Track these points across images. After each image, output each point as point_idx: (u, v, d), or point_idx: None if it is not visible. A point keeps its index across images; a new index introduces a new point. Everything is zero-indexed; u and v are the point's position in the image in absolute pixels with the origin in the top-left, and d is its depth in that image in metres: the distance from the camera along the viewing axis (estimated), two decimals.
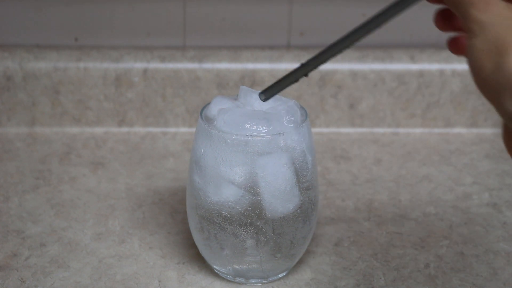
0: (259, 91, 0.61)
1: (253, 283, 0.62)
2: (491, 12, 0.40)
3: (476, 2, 0.41)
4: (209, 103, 0.61)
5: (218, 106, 0.60)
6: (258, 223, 0.58)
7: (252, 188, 0.57)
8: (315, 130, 0.90)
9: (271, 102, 0.60)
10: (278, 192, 0.58)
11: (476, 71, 0.41)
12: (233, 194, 0.58)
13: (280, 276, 0.63)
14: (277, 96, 0.61)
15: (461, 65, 0.90)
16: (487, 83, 0.40)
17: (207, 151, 0.58)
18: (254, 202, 0.58)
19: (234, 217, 0.58)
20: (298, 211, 0.59)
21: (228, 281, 0.63)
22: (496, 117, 0.92)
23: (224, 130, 0.57)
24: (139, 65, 0.88)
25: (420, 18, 0.92)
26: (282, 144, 0.57)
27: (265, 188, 0.57)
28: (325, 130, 0.92)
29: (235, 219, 0.58)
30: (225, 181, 0.58)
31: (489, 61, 0.40)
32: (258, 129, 0.57)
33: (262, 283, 0.62)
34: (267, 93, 0.59)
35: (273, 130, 0.57)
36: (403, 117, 0.92)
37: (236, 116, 0.58)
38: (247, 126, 0.57)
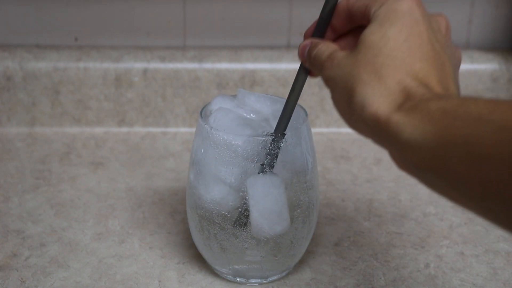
0: (257, 93, 0.61)
1: (253, 283, 0.62)
2: (336, 67, 0.46)
3: (324, 63, 0.47)
4: (209, 103, 0.61)
5: (218, 106, 0.60)
6: None
7: (245, 192, 0.57)
8: (315, 130, 0.90)
9: (269, 104, 0.60)
10: (267, 212, 0.57)
11: (344, 119, 0.46)
12: (227, 194, 0.58)
13: (280, 276, 0.63)
14: (277, 98, 0.61)
15: (461, 65, 0.90)
16: (354, 127, 0.45)
17: (206, 152, 0.58)
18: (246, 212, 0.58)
19: (234, 217, 0.58)
20: (298, 210, 0.59)
21: (228, 281, 0.63)
22: None
23: (222, 132, 0.57)
24: (139, 65, 0.88)
25: None
26: (279, 161, 0.57)
27: (253, 206, 0.57)
28: (325, 130, 0.92)
29: (235, 219, 0.58)
30: (221, 182, 0.58)
31: (347, 108, 0.44)
32: (256, 132, 0.57)
33: (262, 283, 0.62)
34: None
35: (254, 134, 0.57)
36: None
37: (228, 119, 0.58)
38: (243, 128, 0.57)
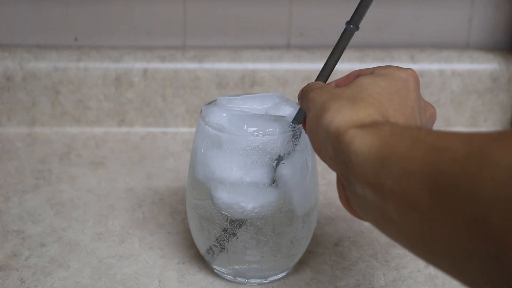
0: (233, 96, 0.62)
1: (253, 283, 0.62)
2: (324, 92, 0.50)
3: (315, 88, 0.52)
4: (211, 114, 0.60)
5: (223, 115, 0.59)
6: (258, 223, 0.58)
7: (280, 189, 0.58)
8: None
9: (259, 102, 0.61)
10: (303, 190, 0.59)
11: (309, 137, 0.50)
12: (269, 197, 0.58)
13: (280, 276, 0.63)
14: (258, 95, 0.62)
15: (461, 65, 0.90)
16: (317, 142, 0.49)
17: (226, 160, 0.58)
18: (286, 202, 0.58)
19: (234, 217, 0.58)
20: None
21: (228, 281, 0.63)
22: (496, 117, 0.92)
23: (241, 134, 0.57)
24: (139, 65, 0.88)
25: (420, 18, 0.92)
26: (300, 142, 0.58)
27: (295, 188, 0.58)
28: None
29: (236, 220, 0.58)
30: (263, 188, 0.58)
31: (315, 124, 0.48)
32: (282, 124, 0.58)
33: (262, 283, 0.62)
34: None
35: (285, 128, 0.58)
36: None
37: (250, 121, 0.58)
38: (272, 124, 0.58)
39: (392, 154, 0.40)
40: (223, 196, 0.58)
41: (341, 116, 0.46)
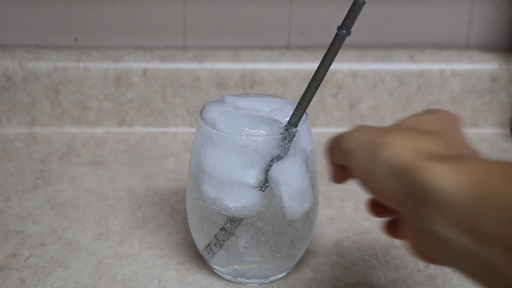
0: (247, 94, 0.61)
1: (253, 283, 0.62)
2: (363, 131, 0.47)
3: (351, 131, 0.48)
4: (208, 110, 0.60)
5: (218, 112, 0.60)
6: (258, 223, 0.58)
7: (270, 191, 0.57)
8: (315, 130, 0.90)
9: (263, 104, 0.61)
10: (296, 194, 0.58)
11: (362, 180, 0.46)
12: (258, 197, 0.58)
13: (280, 276, 0.63)
14: (264, 97, 0.62)
15: (461, 65, 0.90)
16: (374, 183, 0.44)
17: (215, 156, 0.58)
18: (276, 206, 0.58)
19: (234, 217, 0.58)
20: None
21: (228, 281, 0.63)
22: (496, 117, 0.92)
23: (234, 132, 0.57)
24: (139, 65, 0.88)
25: (420, 18, 0.92)
26: (295, 145, 0.58)
27: (285, 192, 0.57)
28: (325, 130, 0.91)
29: (235, 219, 0.58)
30: (247, 187, 0.57)
31: (370, 164, 0.44)
32: (272, 126, 0.58)
33: (262, 283, 0.62)
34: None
35: (273, 131, 0.57)
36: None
37: (241, 120, 0.58)
38: (260, 125, 0.58)
39: (491, 194, 0.36)
40: (209, 190, 0.58)
41: (403, 148, 0.42)
